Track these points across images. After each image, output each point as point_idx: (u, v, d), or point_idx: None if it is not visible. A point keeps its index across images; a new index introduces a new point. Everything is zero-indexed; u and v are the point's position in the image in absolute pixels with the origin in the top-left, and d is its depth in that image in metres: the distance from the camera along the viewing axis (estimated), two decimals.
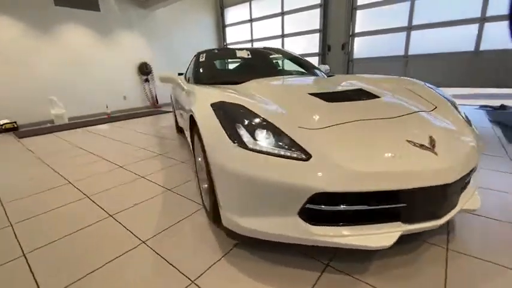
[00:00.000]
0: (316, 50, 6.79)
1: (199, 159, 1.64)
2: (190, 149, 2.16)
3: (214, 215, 1.39)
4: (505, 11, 4.47)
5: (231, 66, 2.73)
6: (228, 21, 8.59)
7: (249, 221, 1.11)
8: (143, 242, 1.39)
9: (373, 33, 5.91)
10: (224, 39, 8.81)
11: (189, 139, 1.98)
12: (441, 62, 5.23)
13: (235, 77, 2.31)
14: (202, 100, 1.48)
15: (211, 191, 1.28)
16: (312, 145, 1.06)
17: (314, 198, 0.98)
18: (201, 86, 2.11)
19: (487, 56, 4.77)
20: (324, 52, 6.69)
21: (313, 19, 6.64)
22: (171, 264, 1.22)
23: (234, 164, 1.08)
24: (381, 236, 1.02)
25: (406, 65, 5.66)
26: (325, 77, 2.52)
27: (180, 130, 3.77)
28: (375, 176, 0.97)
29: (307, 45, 6.94)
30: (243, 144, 1.09)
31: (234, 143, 1.10)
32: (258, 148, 1.06)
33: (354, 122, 1.21)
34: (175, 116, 3.67)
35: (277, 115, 1.23)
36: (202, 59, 2.65)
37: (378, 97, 1.51)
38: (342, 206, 1.02)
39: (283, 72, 2.62)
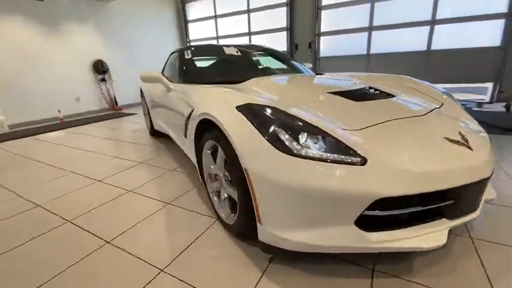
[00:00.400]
0: (284, 48, 6.87)
1: (213, 166, 1.48)
2: (190, 156, 1.95)
3: (242, 229, 1.27)
4: (451, 14, 5.08)
5: (219, 64, 2.56)
6: (190, 16, 8.18)
7: (297, 235, 1.01)
8: (162, 271, 1.19)
9: (338, 33, 6.19)
10: (187, 35, 8.38)
11: (190, 146, 1.78)
12: (399, 61, 5.72)
13: (230, 75, 2.17)
14: (221, 103, 1.32)
15: (244, 203, 1.15)
16: (362, 147, 1.01)
17: (373, 204, 0.94)
18: (195, 85, 1.94)
19: (437, 55, 5.37)
20: (292, 50, 6.81)
21: (281, 17, 6.69)
22: None
23: (280, 173, 0.97)
24: (432, 235, 1.02)
25: (368, 63, 6.07)
26: (314, 75, 2.52)
27: (155, 133, 3.44)
28: (431, 176, 0.96)
29: (275, 44, 6.98)
30: (287, 150, 0.99)
31: (278, 149, 1.00)
32: (308, 154, 0.97)
33: (390, 121, 1.20)
34: (150, 118, 3.33)
35: (313, 117, 1.15)
36: (188, 56, 2.42)
37: (393, 96, 1.54)
38: (396, 210, 1.00)
39: (277, 70, 2.55)
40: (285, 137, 1.02)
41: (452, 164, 1.01)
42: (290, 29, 6.60)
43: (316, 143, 1.01)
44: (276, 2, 6.60)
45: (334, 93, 1.50)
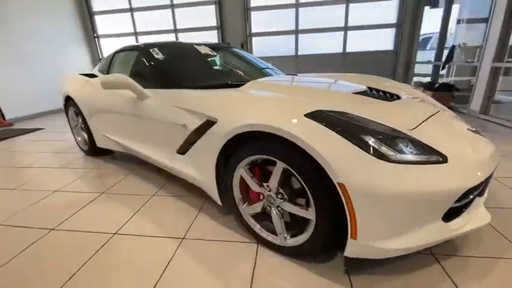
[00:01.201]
0: None
1: (254, 186, 1.28)
2: (191, 175, 1.63)
3: (311, 249, 1.17)
4: (359, 22, 6.07)
5: (202, 65, 2.22)
6: (96, 7, 6.83)
7: (391, 242, 1.00)
8: None
9: (268, 34, 6.47)
10: (94, 30, 6.98)
11: (199, 164, 1.48)
12: (322, 61, 6.47)
13: (222, 77, 1.95)
14: (279, 111, 1.15)
15: (326, 221, 1.05)
16: (435, 145, 1.07)
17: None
18: (192, 91, 1.64)
19: (350, 56, 6.35)
20: None
21: (210, 15, 6.44)
22: None
23: (381, 181, 0.93)
24: (481, 212, 1.20)
25: (297, 63, 6.61)
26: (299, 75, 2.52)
27: (95, 152, 2.74)
28: (485, 164, 1.12)
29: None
30: (383, 157, 0.96)
31: (376, 157, 0.95)
32: (404, 158, 0.97)
33: (427, 119, 1.32)
34: (89, 133, 2.61)
35: (383, 120, 1.14)
36: (159, 55, 2.00)
37: (398, 95, 1.69)
38: (466, 197, 1.11)
39: (259, 71, 2.42)
40: (376, 143, 0.98)
41: (487, 151, 1.21)
42: (221, 28, 6.44)
43: (406, 146, 1.01)
44: (204, 0, 6.31)
45: (357, 93, 1.53)
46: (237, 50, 2.73)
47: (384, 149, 0.97)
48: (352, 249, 1.04)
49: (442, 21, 4.99)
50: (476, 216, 1.16)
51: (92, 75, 2.62)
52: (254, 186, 1.28)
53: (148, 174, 2.32)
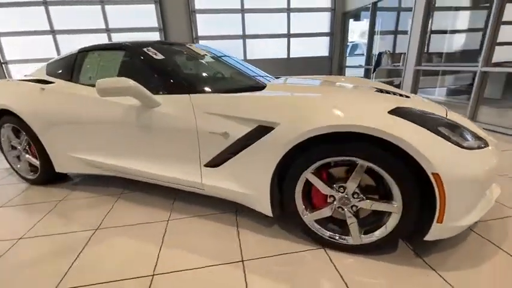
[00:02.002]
0: None
1: (324, 190, 1.23)
2: (225, 190, 1.46)
3: (390, 240, 1.21)
4: (300, 30, 6.59)
5: (206, 68, 1.98)
6: None
7: (465, 219, 1.13)
8: None
9: (216, 38, 6.33)
10: None
11: (265, 171, 1.31)
12: (269, 65, 6.74)
13: (235, 81, 1.80)
14: (364, 109, 1.16)
15: (411, 211, 1.11)
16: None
17: None
18: (229, 95, 1.46)
19: (294, 61, 6.84)
20: None
21: (150, 15, 5.87)
22: None
23: (465, 168, 1.05)
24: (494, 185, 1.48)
25: None
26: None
27: (48, 179, 2.16)
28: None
29: None
30: (460, 145, 1.08)
31: (456, 145, 1.06)
32: (474, 146, 1.11)
33: (444, 113, 1.54)
34: (41, 155, 2.02)
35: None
36: (157, 56, 1.69)
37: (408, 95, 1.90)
38: None
39: (252, 72, 2.33)
40: (451, 133, 1.10)
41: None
42: (164, 29, 5.95)
43: (467, 134, 1.17)
44: None
45: (377, 91, 1.67)
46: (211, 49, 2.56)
47: (457, 138, 1.10)
48: (435, 232, 1.13)
49: (369, 32, 5.91)
50: (493, 189, 1.43)
51: (43, 81, 2.02)
52: (325, 189, 1.25)
53: (144, 197, 1.95)
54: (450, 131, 1.12)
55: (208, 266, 1.26)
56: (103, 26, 5.74)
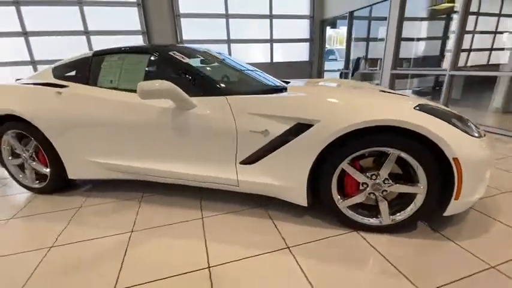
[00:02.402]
0: None
1: (360, 177, 1.40)
2: (258, 184, 1.56)
3: (414, 218, 1.41)
4: (283, 36, 6.86)
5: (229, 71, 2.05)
6: None
7: (474, 196, 1.36)
8: None
9: (201, 42, 6.34)
10: None
11: (304, 164, 1.43)
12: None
13: (255, 83, 1.91)
14: (393, 106, 1.35)
15: (434, 191, 1.32)
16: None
17: None
18: (265, 96, 1.57)
19: (277, 65, 7.08)
20: None
21: (132, 18, 5.72)
22: None
23: (478, 153, 1.28)
24: None
25: None
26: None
27: (59, 186, 2.10)
28: None
29: None
30: (470, 134, 1.31)
31: (471, 135, 1.29)
32: (475, 134, 1.35)
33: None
34: (53, 162, 1.95)
35: None
36: (185, 60, 1.74)
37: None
38: None
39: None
40: (462, 124, 1.33)
41: None
42: (147, 33, 5.83)
43: (471, 125, 1.41)
44: (124, 0, 5.55)
45: (382, 91, 1.89)
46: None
47: (466, 128, 1.33)
48: (453, 208, 1.35)
49: (346, 39, 6.35)
50: None
51: (52, 85, 1.94)
52: (360, 177, 1.41)
53: (167, 199, 1.97)
54: (460, 123, 1.35)
55: (259, 255, 1.35)
56: (81, 28, 5.47)
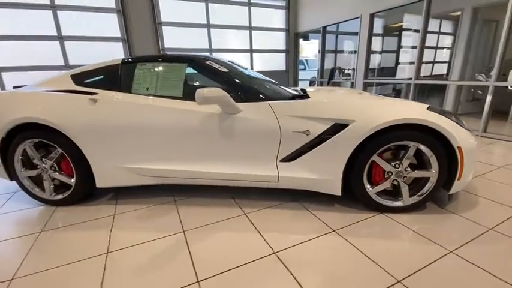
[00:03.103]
0: None
1: (389, 167, 1.70)
2: (304, 178, 1.76)
3: (427, 197, 1.75)
4: (261, 46, 7.18)
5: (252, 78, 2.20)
6: None
7: (469, 177, 1.75)
8: None
9: (182, 51, 6.35)
10: None
11: (340, 159, 1.68)
12: None
13: (279, 89, 2.12)
14: (413, 108, 1.66)
15: (443, 174, 1.66)
16: None
17: None
18: (302, 100, 1.80)
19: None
20: None
21: (111, 25, 5.52)
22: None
23: (472, 143, 1.66)
24: None
25: None
26: None
27: (80, 196, 2.05)
28: None
29: (108, 55, 5.61)
30: (466, 129, 1.70)
31: (467, 130, 1.68)
32: (467, 129, 1.74)
33: None
34: (80, 171, 1.91)
35: None
36: (221, 68, 1.89)
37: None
38: None
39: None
40: (459, 121, 1.71)
41: None
42: (127, 40, 5.67)
43: (462, 122, 1.80)
44: (103, 5, 5.35)
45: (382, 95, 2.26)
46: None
47: (461, 124, 1.72)
48: (456, 187, 1.71)
49: (321, 51, 6.93)
50: None
51: (74, 92, 1.90)
52: (387, 166, 1.71)
53: (200, 200, 2.05)
54: (457, 120, 1.73)
55: (313, 239, 1.55)
56: (54, 33, 5.11)
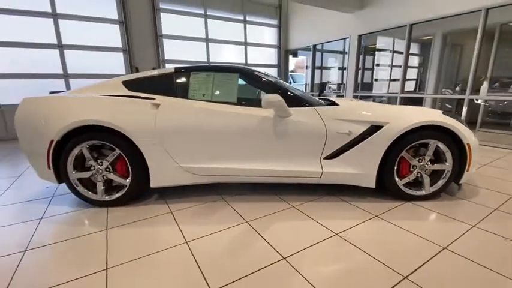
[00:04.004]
0: (122, 71, 5.79)
1: (414, 162, 2.05)
2: (345, 173, 2.05)
3: (444, 187, 2.12)
4: (256, 61, 7.58)
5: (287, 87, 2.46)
6: None
7: (474, 168, 2.15)
8: None
9: (181, 63, 6.51)
10: None
11: (376, 156, 1.99)
12: None
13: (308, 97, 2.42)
14: (430, 113, 2.03)
15: (456, 166, 2.04)
16: None
17: None
18: (337, 107, 2.11)
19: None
20: (132, 72, 5.93)
21: (112, 35, 5.56)
22: None
23: (475, 140, 2.06)
24: None
25: None
26: None
27: (133, 196, 2.13)
28: None
29: (107, 64, 5.61)
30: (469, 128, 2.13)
31: (469, 129, 2.10)
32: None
33: None
34: (137, 171, 2.01)
35: None
36: (269, 78, 2.16)
37: None
38: None
39: None
40: (463, 122, 2.13)
41: None
42: (128, 51, 5.73)
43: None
44: (105, 16, 5.39)
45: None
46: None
47: (465, 125, 2.13)
48: (465, 178, 2.10)
49: (311, 67, 7.49)
50: None
51: (129, 97, 2.04)
52: (414, 161, 2.05)
53: (246, 197, 2.23)
54: (461, 121, 2.15)
55: (363, 222, 1.81)
56: (54, 41, 5.02)
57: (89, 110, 1.97)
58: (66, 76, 5.25)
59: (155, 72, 2.22)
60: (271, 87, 2.16)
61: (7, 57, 4.66)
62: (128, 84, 2.18)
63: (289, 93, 2.15)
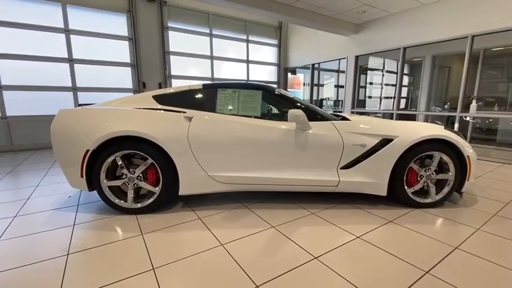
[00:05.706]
0: (130, 85, 5.95)
1: (422, 172, 2.26)
2: (363, 182, 2.24)
3: (448, 195, 2.33)
4: (257, 78, 7.89)
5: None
6: None
7: (473, 177, 2.39)
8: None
9: (187, 78, 6.74)
10: None
11: (388, 166, 2.18)
12: None
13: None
14: (434, 128, 2.26)
15: (458, 175, 2.26)
16: None
17: None
18: (350, 121, 2.33)
19: None
20: (139, 88, 6.10)
21: (121, 51, 5.76)
22: None
23: (472, 152, 2.31)
24: None
25: None
26: None
27: (161, 204, 2.24)
28: None
29: (114, 77, 5.76)
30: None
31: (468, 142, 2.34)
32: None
33: None
34: (167, 179, 2.13)
35: None
36: (291, 95, 2.38)
37: None
38: None
39: None
40: (462, 136, 2.37)
41: None
42: (136, 66, 5.92)
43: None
44: (116, 33, 5.61)
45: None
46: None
47: (463, 139, 2.38)
48: (466, 186, 2.32)
49: (310, 84, 7.86)
50: None
51: (169, 110, 2.20)
52: (421, 171, 2.26)
53: (267, 205, 2.37)
54: (461, 136, 2.40)
55: (379, 227, 1.98)
56: (65, 56, 5.17)
57: (127, 121, 2.11)
58: (74, 89, 5.36)
59: (185, 87, 2.40)
60: (293, 103, 2.37)
61: (16, 69, 4.75)
62: (158, 98, 2.35)
63: (308, 108, 2.36)
